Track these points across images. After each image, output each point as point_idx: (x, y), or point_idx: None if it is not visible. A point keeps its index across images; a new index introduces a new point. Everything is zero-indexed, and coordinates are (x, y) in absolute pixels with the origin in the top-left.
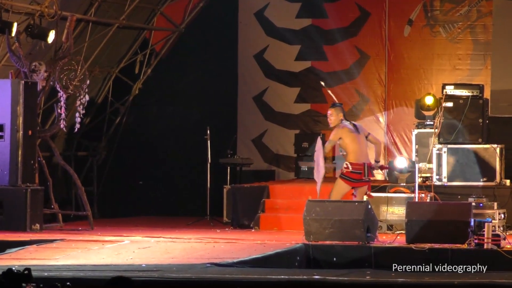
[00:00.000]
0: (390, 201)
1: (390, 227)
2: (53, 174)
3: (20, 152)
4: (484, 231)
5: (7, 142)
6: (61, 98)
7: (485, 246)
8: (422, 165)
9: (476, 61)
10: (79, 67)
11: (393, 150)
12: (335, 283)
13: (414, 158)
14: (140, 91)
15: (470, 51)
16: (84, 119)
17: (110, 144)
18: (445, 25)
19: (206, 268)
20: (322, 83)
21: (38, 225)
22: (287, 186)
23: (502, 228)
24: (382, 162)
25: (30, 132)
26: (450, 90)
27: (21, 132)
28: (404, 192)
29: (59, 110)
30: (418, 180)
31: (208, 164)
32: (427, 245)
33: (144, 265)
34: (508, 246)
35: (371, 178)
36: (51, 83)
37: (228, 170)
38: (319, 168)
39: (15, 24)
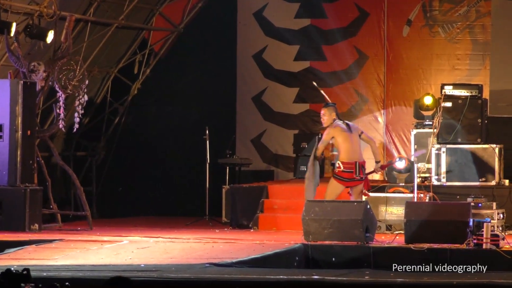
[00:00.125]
0: (389, 201)
1: (389, 227)
2: (52, 174)
3: (19, 152)
4: (483, 231)
5: (6, 142)
6: (60, 98)
7: (484, 246)
8: (421, 164)
9: (475, 61)
10: (78, 67)
11: (392, 150)
12: (334, 283)
13: (412, 158)
14: (139, 91)
15: (469, 51)
16: (83, 119)
17: (109, 144)
18: (444, 25)
19: (205, 268)
20: (315, 83)
21: (37, 225)
22: (286, 186)
23: (501, 228)
24: (382, 162)
25: (29, 132)
26: (449, 90)
27: (20, 132)
28: (403, 192)
29: (58, 110)
30: (417, 180)
31: (207, 164)
32: (426, 245)
33: (143, 265)
34: (507, 246)
35: (363, 176)
36: (50, 83)
37: (227, 170)
38: (309, 175)
39: (14, 24)
